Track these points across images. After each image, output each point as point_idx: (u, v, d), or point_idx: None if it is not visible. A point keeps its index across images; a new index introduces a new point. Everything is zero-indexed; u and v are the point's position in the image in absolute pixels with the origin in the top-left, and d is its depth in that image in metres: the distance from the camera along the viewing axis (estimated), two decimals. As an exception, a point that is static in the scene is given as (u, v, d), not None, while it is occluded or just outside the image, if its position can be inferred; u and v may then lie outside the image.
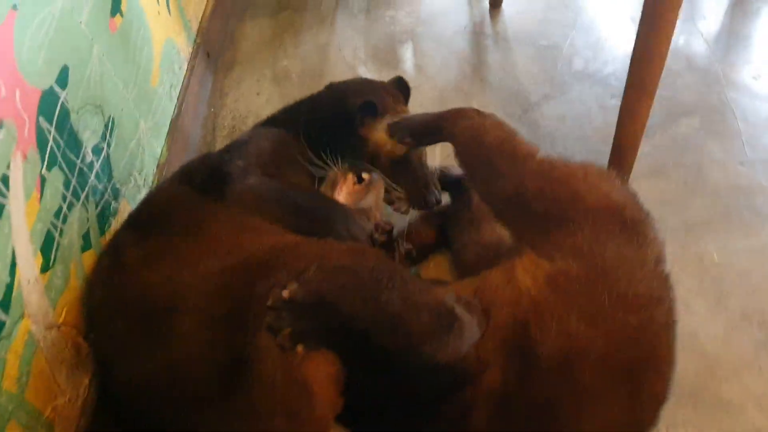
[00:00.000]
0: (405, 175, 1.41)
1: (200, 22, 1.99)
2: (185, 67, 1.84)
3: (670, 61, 1.31)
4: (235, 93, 1.95)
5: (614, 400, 0.93)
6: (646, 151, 1.54)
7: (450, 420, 0.99)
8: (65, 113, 1.20)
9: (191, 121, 1.80)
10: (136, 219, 1.30)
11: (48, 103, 1.14)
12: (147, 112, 1.57)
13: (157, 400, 1.03)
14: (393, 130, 1.34)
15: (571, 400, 0.93)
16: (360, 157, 1.41)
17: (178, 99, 1.76)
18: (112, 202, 1.37)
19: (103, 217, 1.33)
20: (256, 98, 1.93)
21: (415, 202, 1.41)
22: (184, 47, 1.85)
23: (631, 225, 1.05)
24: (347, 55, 2.02)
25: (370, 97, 1.45)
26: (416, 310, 0.96)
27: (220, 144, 1.80)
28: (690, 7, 1.97)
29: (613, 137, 1.56)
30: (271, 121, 1.50)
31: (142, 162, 1.53)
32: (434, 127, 1.28)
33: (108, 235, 1.33)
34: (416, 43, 2.04)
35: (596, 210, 1.06)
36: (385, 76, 1.92)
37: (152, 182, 1.57)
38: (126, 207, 1.43)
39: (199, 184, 1.29)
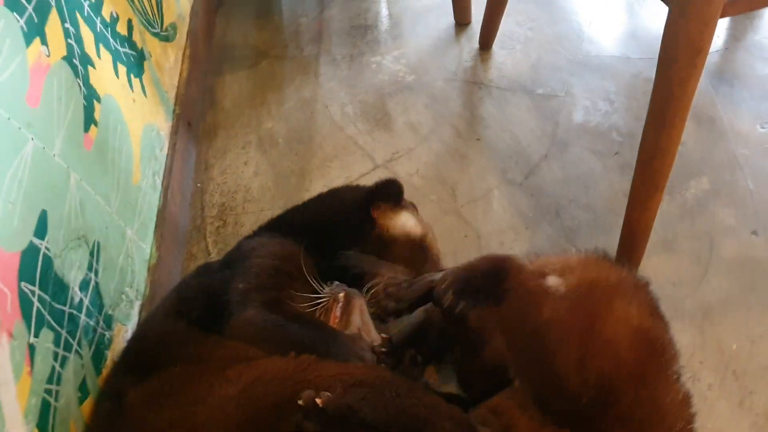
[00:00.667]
0: (420, 263, 1.35)
1: (177, 89, 1.89)
2: (166, 146, 1.75)
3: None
4: (221, 164, 1.87)
5: None
6: (655, 221, 1.49)
7: None
8: (48, 264, 1.12)
9: (178, 207, 1.72)
10: (130, 359, 1.24)
11: (28, 262, 1.06)
12: (132, 217, 1.49)
13: None
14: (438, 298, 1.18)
15: None
16: (365, 251, 1.36)
17: (162, 185, 1.67)
18: (106, 333, 1.30)
19: (98, 355, 1.26)
20: (244, 169, 1.85)
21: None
22: (163, 125, 1.76)
23: (659, 354, 1.00)
24: (335, 114, 1.94)
25: (392, 179, 1.40)
26: (440, 416, 0.98)
27: (210, 227, 1.73)
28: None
29: (618, 206, 1.51)
30: (276, 227, 1.43)
31: (132, 274, 1.45)
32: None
33: (105, 372, 1.27)
34: (406, 96, 1.95)
35: (631, 363, 0.98)
36: (377, 137, 1.85)
37: (144, 290, 1.49)
38: (120, 330, 1.37)
39: (196, 319, 1.23)
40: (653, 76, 1.16)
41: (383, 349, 1.26)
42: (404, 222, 1.38)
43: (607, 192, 1.62)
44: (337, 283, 1.31)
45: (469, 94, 1.92)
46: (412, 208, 1.46)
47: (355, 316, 1.28)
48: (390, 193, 1.39)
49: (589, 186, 1.64)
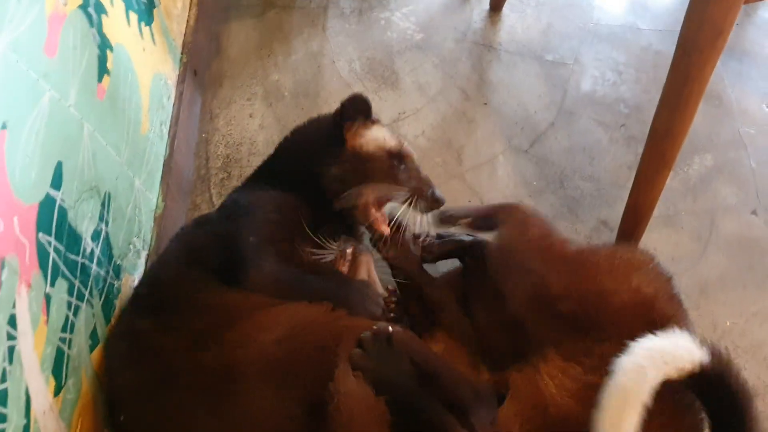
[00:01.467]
0: (404, 178, 1.33)
1: (184, 37, 1.86)
2: (173, 95, 1.73)
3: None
4: (226, 115, 1.86)
5: None
6: (659, 197, 1.51)
7: None
8: (63, 215, 1.13)
9: (184, 156, 1.72)
10: (144, 302, 1.25)
11: (45, 213, 1.07)
12: (140, 167, 1.49)
13: None
14: (445, 218, 1.31)
15: None
16: (348, 180, 1.33)
17: (168, 134, 1.67)
18: (115, 283, 1.32)
19: (108, 304, 1.28)
20: (249, 121, 1.84)
21: (423, 200, 1.31)
22: (171, 74, 1.74)
23: (660, 322, 1.03)
24: (342, 69, 1.92)
25: (356, 94, 1.37)
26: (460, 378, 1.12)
27: (214, 179, 1.73)
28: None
29: (621, 178, 1.53)
30: (261, 177, 1.42)
31: (139, 224, 1.46)
32: (490, 217, 1.27)
33: (114, 320, 1.29)
34: (415, 54, 1.93)
35: (624, 311, 1.04)
36: (384, 95, 1.84)
37: (150, 240, 1.50)
38: (128, 279, 1.38)
39: (212, 268, 1.24)
40: (663, 49, 1.17)
41: (394, 299, 1.30)
42: (376, 135, 1.35)
43: (611, 164, 1.63)
44: (345, 237, 1.32)
45: (478, 57, 1.90)
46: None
47: (362, 272, 1.31)
48: (358, 110, 1.35)
49: (594, 157, 1.66)
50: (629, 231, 1.40)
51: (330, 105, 1.84)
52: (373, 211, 1.31)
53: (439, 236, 1.37)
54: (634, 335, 1.02)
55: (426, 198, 1.31)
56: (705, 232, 1.50)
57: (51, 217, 1.09)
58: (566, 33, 1.93)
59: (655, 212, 1.46)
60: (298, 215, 1.32)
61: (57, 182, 1.12)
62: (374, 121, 1.39)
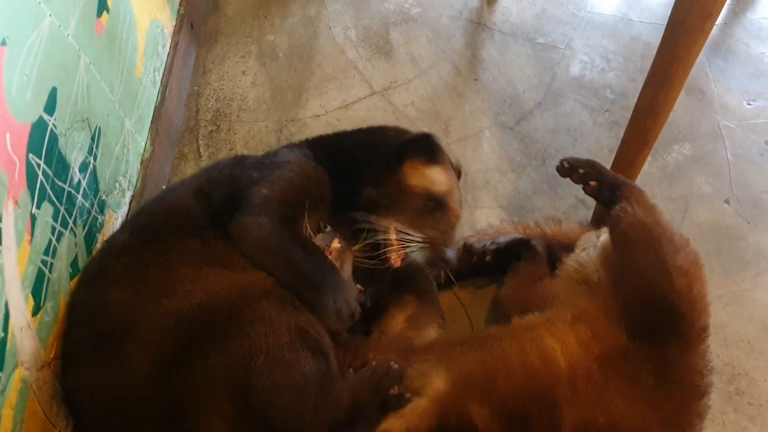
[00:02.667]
0: (431, 225, 1.32)
1: (184, -12, 1.88)
2: (169, 45, 1.74)
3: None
4: (219, 70, 1.87)
5: None
6: (636, 180, 1.55)
7: None
8: (54, 140, 1.14)
9: (175, 105, 1.73)
10: (143, 220, 1.26)
11: (37, 135, 1.08)
12: (131, 109, 1.50)
13: (99, 413, 1.09)
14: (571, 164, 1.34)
15: None
16: (381, 198, 1.34)
17: (161, 82, 1.68)
18: (99, 217, 1.33)
19: (90, 236, 1.29)
20: (242, 78, 1.85)
21: (434, 253, 1.31)
22: (167, 23, 1.74)
23: (706, 326, 1.14)
24: (337, 36, 1.94)
25: (428, 134, 1.40)
26: None
27: (203, 131, 1.74)
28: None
29: (602, 160, 1.56)
30: (312, 146, 1.41)
31: (126, 164, 1.47)
32: (612, 183, 1.30)
33: (95, 253, 1.30)
34: (410, 27, 1.96)
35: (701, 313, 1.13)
36: (377, 64, 1.87)
37: (136, 182, 1.52)
38: (111, 216, 1.40)
39: (215, 200, 1.25)
40: (652, 41, 1.21)
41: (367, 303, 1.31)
42: (429, 175, 1.36)
43: (594, 146, 1.67)
44: (329, 229, 1.32)
45: (472, 35, 1.94)
46: (449, 166, 1.44)
47: (346, 268, 1.30)
48: (423, 148, 1.38)
49: (577, 138, 1.70)
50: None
51: (323, 69, 1.87)
52: (393, 239, 1.31)
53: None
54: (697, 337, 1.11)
55: (437, 252, 1.30)
56: (678, 217, 1.55)
57: (42, 141, 1.10)
58: (560, 18, 1.96)
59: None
60: (320, 192, 1.32)
61: (51, 107, 1.13)
62: (438, 162, 1.40)
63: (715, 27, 1.91)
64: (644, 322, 1.09)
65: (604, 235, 1.28)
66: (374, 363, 1.19)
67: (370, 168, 1.35)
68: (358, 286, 1.28)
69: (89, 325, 1.13)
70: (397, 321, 1.34)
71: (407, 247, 1.29)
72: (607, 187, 1.30)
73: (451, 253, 1.31)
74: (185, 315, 1.09)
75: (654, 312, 1.09)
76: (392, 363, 1.15)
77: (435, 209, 1.33)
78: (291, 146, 1.42)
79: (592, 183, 1.31)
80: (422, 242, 1.29)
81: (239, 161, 1.37)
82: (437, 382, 1.08)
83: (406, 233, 1.30)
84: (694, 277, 1.13)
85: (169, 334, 1.07)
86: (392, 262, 1.30)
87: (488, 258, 1.41)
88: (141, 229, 1.21)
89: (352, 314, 1.19)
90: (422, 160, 1.36)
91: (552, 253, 1.40)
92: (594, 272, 1.24)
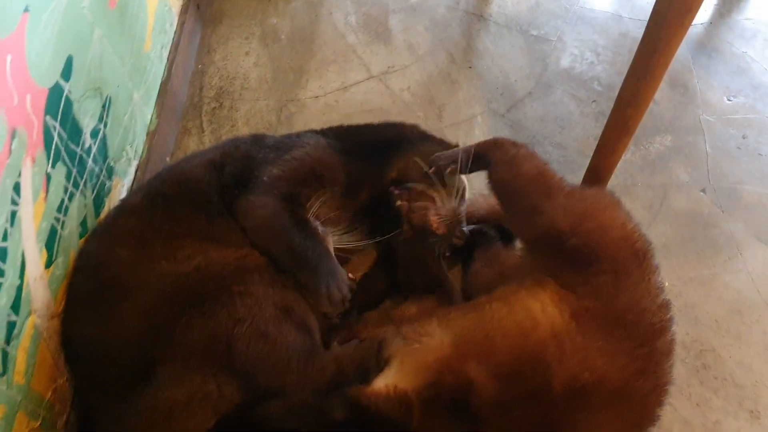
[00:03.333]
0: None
1: (192, -30, 1.94)
2: (176, 24, 1.81)
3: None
4: (223, 50, 1.94)
5: (620, 422, 1.09)
6: (618, 166, 1.63)
7: None
8: (69, 105, 1.21)
9: (180, 81, 1.80)
10: (158, 185, 1.32)
11: (54, 100, 1.15)
12: (140, 82, 1.57)
13: (87, 361, 1.17)
14: (436, 161, 1.38)
15: (583, 425, 1.07)
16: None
17: (168, 59, 1.75)
18: (107, 182, 1.41)
19: (99, 199, 1.36)
20: (245, 59, 1.92)
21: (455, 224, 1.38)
22: (175, 2, 1.81)
23: (641, 257, 1.18)
24: (338, 21, 2.01)
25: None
26: None
27: (206, 107, 1.81)
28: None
29: (587, 149, 1.65)
30: (337, 135, 1.46)
31: (134, 134, 1.54)
32: (477, 156, 1.34)
33: (103, 215, 1.38)
34: (408, 16, 2.03)
35: (618, 244, 1.18)
36: (375, 49, 1.94)
37: (142, 152, 1.59)
38: (118, 183, 1.47)
39: (227, 175, 1.31)
40: (640, 37, 1.27)
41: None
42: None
43: (580, 135, 1.75)
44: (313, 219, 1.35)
45: (468, 25, 2.01)
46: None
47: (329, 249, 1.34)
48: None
49: (565, 127, 1.77)
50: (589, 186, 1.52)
51: (323, 52, 1.94)
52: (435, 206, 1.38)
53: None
54: (626, 266, 1.16)
55: (457, 224, 1.38)
56: (657, 203, 1.63)
57: (58, 105, 1.17)
58: (553, 12, 2.04)
59: (614, 180, 1.58)
60: (333, 177, 1.37)
61: (67, 74, 1.20)
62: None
63: (701, 27, 2.00)
64: (565, 272, 1.17)
65: None
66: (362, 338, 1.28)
67: (395, 158, 1.42)
68: (349, 274, 1.32)
69: (93, 276, 1.20)
70: (410, 311, 1.41)
71: (443, 217, 1.35)
72: (472, 160, 1.35)
73: (464, 227, 1.38)
74: (181, 279, 1.16)
75: (564, 257, 1.18)
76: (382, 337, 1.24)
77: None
78: (315, 132, 1.47)
79: (452, 167, 1.36)
80: (453, 213, 1.36)
81: (258, 139, 1.42)
82: (438, 338, 1.14)
83: (445, 201, 1.37)
84: (588, 211, 1.21)
85: (164, 296, 1.14)
86: (435, 228, 1.36)
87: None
88: (154, 195, 1.28)
89: (342, 300, 1.26)
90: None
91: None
92: None
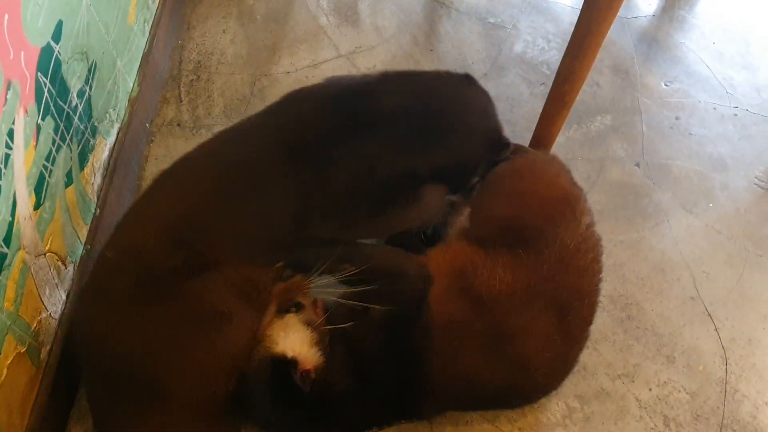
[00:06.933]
0: None
1: (172, -49, 2.07)
2: (158, 0, 1.94)
3: (600, 56, 1.55)
4: (202, 27, 2.07)
5: (549, 325, 1.30)
6: (561, 141, 1.80)
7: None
8: (58, 65, 1.34)
9: (161, 54, 1.93)
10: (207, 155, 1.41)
11: (45, 58, 1.28)
12: (123, 51, 1.70)
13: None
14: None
15: (516, 326, 1.29)
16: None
17: (150, 33, 1.88)
18: (91, 140, 1.53)
19: (83, 154, 1.49)
20: (222, 36, 2.06)
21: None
22: (157, -20, 1.95)
23: (573, 204, 1.40)
24: (311, 4, 2.15)
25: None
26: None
27: (185, 79, 1.95)
28: (627, 3, 2.17)
29: (534, 125, 1.81)
30: None
31: (116, 99, 1.67)
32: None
33: (87, 170, 1.51)
34: (377, 1, 2.17)
35: (554, 203, 1.41)
36: (344, 31, 2.09)
37: (124, 116, 1.72)
38: (101, 142, 1.60)
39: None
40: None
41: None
42: None
43: (528, 113, 1.91)
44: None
45: (431, 10, 2.16)
46: None
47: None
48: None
49: (515, 106, 1.93)
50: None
51: (296, 32, 2.08)
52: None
53: None
54: (563, 225, 1.37)
55: None
56: (594, 175, 1.79)
57: (48, 64, 1.30)
58: (509, 2, 2.20)
59: (557, 154, 1.74)
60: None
61: (57, 36, 1.33)
62: None
63: (644, 19, 2.17)
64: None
65: None
66: None
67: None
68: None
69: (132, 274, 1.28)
70: None
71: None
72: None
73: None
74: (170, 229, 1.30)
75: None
76: None
77: None
78: None
79: None
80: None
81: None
82: None
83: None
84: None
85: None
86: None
87: None
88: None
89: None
90: None
91: None
92: None
